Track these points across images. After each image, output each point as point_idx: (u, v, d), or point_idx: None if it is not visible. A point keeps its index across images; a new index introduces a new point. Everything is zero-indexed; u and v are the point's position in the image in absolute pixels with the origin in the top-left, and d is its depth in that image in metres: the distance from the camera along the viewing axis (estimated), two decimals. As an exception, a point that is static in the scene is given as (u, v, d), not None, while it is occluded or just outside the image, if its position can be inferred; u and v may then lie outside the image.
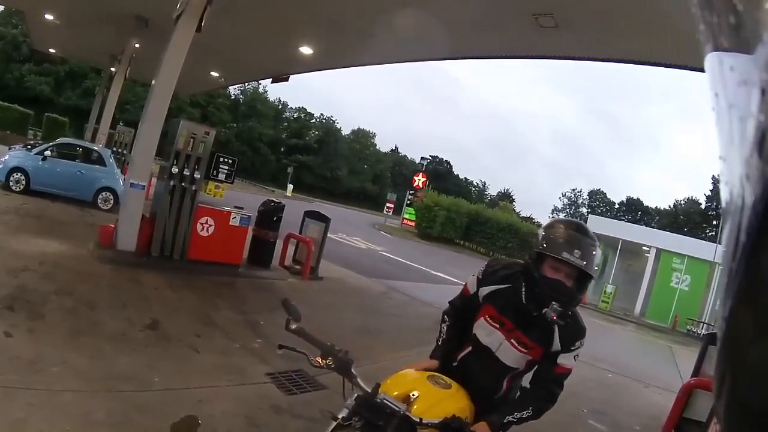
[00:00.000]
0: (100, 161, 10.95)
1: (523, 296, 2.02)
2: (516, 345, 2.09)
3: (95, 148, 11.72)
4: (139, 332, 4.40)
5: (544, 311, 1.89)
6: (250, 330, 5.21)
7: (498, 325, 2.12)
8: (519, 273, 2.09)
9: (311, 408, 3.67)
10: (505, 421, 1.94)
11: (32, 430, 2.62)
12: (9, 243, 5.96)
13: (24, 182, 9.73)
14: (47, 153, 10.18)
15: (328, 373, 1.78)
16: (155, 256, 6.81)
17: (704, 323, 18.41)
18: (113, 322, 4.47)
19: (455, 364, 2.23)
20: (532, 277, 1.99)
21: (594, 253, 1.91)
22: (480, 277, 2.20)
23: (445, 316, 2.33)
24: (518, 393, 2.25)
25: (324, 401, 3.80)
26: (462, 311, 2.30)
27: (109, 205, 10.56)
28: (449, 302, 2.38)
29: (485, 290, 2.16)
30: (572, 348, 2.04)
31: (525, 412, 1.97)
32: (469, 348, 2.23)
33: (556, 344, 2.02)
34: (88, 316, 4.47)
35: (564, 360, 2.05)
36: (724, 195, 0.33)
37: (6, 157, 9.98)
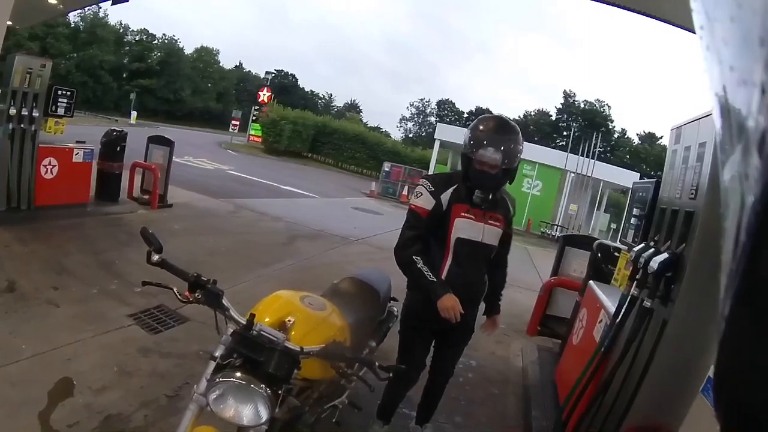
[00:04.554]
0: None
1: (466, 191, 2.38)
2: (493, 223, 2.44)
3: None
4: (-3, 298, 4.01)
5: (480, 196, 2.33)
6: (105, 271, 5.01)
7: (473, 216, 2.38)
8: (454, 174, 2.45)
9: (178, 344, 3.73)
10: (499, 303, 2.70)
11: None
12: None
13: None
14: None
15: (190, 304, 1.71)
16: (2, 210, 6.15)
17: (558, 226, 20.80)
18: (-34, 292, 4.01)
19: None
20: (465, 175, 2.37)
21: (511, 146, 2.26)
22: (431, 189, 2.37)
23: (414, 257, 2.31)
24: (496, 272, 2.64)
25: (189, 334, 3.90)
26: (426, 237, 2.38)
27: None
28: (408, 240, 2.35)
29: (445, 195, 2.36)
30: (514, 213, 2.60)
31: (503, 285, 2.72)
32: (449, 259, 2.39)
33: (511, 212, 2.57)
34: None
35: (512, 224, 2.63)
36: (724, 194, 0.32)
37: None
